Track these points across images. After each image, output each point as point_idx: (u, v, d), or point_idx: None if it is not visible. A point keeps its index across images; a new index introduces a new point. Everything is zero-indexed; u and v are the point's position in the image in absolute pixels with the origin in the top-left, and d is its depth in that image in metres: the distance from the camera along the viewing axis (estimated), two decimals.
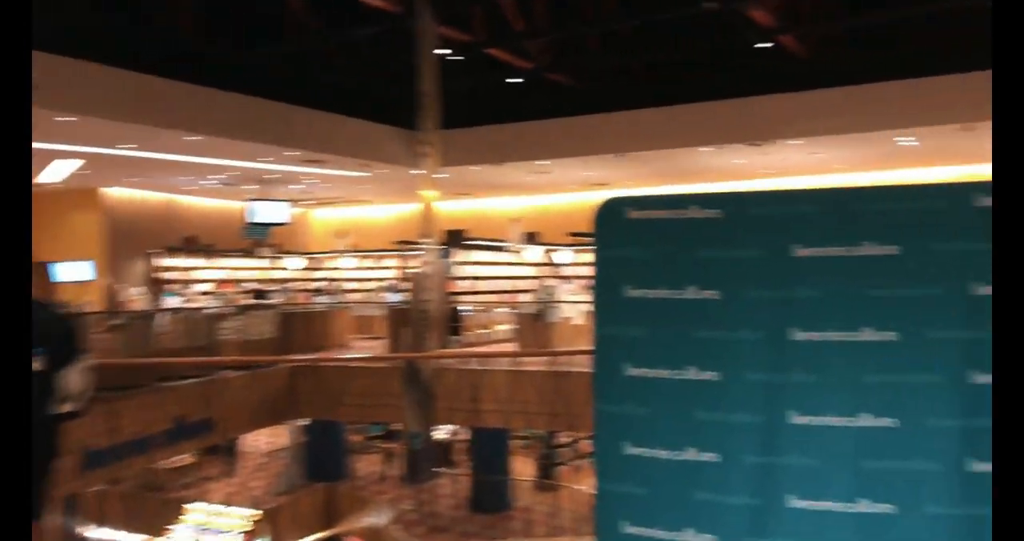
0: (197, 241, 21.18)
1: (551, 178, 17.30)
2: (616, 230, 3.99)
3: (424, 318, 11.52)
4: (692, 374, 3.78)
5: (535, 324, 15.07)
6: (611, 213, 4.09)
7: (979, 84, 11.28)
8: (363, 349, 14.48)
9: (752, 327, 3.73)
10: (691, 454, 3.79)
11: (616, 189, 19.45)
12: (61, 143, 12.64)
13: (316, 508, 16.75)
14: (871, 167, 15.90)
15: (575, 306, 15.36)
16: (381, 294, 19.33)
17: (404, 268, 23.17)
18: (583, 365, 11.83)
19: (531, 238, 18.52)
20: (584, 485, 17.39)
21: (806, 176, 17.07)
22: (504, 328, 17.13)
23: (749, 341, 3.71)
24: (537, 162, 15.31)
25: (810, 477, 3.60)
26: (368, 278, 23.69)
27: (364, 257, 23.45)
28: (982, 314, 3.28)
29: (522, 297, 18.97)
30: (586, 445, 19.36)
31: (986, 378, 3.23)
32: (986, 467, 3.27)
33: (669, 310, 3.87)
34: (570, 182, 18.19)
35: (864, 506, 3.56)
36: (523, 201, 21.07)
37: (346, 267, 23.21)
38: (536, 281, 19.26)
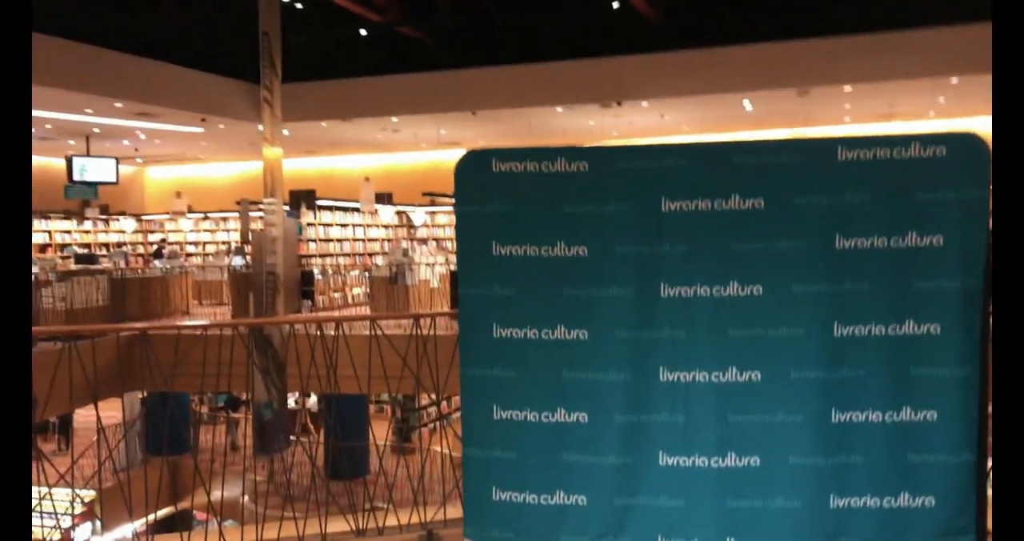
0: None
1: (402, 136, 16.85)
2: (479, 184, 3.77)
3: (271, 282, 10.91)
4: (561, 333, 3.67)
5: (390, 287, 14.73)
6: (473, 166, 3.86)
7: (818, 49, 11.91)
8: (205, 316, 13.64)
9: (621, 284, 3.65)
10: (560, 415, 3.70)
11: (470, 147, 19.26)
12: None
13: (159, 484, 15.85)
14: (719, 129, 16.49)
15: (431, 268, 15.13)
16: (223, 257, 18.30)
17: (247, 230, 22.14)
18: (444, 328, 11.69)
19: (384, 198, 18.02)
20: (444, 447, 17.43)
21: (656, 138, 17.53)
22: (358, 292, 16.67)
23: (618, 298, 3.63)
24: (388, 119, 14.81)
25: (679, 433, 3.59)
26: (209, 241, 22.42)
27: (203, 218, 22.13)
28: (845, 268, 3.35)
29: (376, 260, 18.55)
30: (445, 407, 19.39)
31: (848, 330, 3.31)
32: (849, 416, 3.37)
33: (537, 268, 3.72)
34: (422, 141, 17.80)
35: (731, 459, 3.60)
36: (374, 160, 20.46)
37: (184, 229, 21.83)
38: (390, 243, 18.85)
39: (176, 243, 22.72)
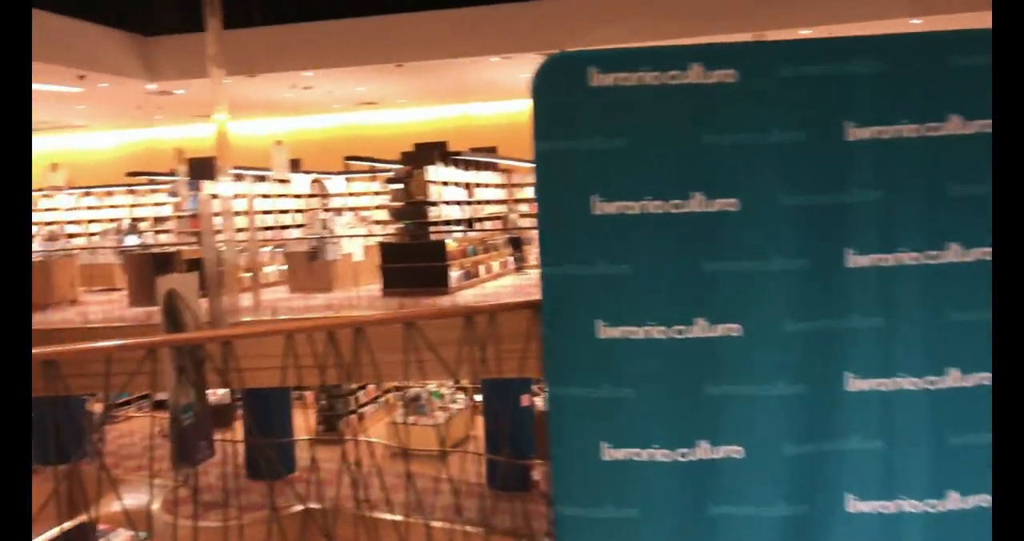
0: None
1: (314, 95, 15.15)
2: (570, 106, 2.52)
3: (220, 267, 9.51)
4: (700, 330, 2.53)
5: (310, 264, 13.24)
6: (560, 77, 2.57)
7: None
8: (98, 304, 11.81)
9: (789, 252, 2.54)
10: (703, 451, 2.56)
11: (389, 109, 17.68)
12: None
13: (55, 495, 13.99)
14: None
15: (354, 240, 13.69)
16: (110, 237, 16.26)
17: (137, 206, 19.96)
18: (363, 307, 10.48)
19: (294, 166, 16.32)
20: (371, 435, 16.31)
21: None
22: (271, 270, 15.06)
23: (786, 274, 2.52)
24: (300, 74, 13.12)
25: (876, 467, 2.53)
26: (93, 219, 20.09)
27: (85, 194, 19.77)
28: None
29: (290, 233, 16.91)
30: (372, 390, 18.09)
31: None
32: None
33: (662, 233, 2.55)
34: (336, 101, 16.13)
35: (953, 501, 2.57)
36: (280, 124, 18.60)
37: (63, 207, 19.46)
38: (307, 214, 17.17)
39: (54, 222, 20.30)
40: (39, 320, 10.66)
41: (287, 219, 17.00)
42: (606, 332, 2.33)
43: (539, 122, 2.32)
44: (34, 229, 19.23)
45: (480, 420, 16.40)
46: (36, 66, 11.36)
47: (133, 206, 20.00)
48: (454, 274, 12.33)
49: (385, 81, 13.91)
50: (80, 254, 14.10)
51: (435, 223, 12.85)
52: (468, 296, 11.44)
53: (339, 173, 16.28)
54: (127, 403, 17.66)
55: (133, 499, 13.73)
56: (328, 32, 12.17)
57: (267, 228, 16.45)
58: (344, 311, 10.31)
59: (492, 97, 15.41)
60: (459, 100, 16.92)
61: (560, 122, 2.32)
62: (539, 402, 14.71)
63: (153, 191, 19.88)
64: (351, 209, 17.99)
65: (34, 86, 12.66)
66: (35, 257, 13.24)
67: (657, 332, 2.32)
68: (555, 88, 2.31)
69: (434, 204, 12.87)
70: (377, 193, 18.60)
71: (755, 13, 11.23)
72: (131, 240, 14.32)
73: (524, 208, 17.45)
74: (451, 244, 12.55)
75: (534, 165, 2.36)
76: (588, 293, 2.32)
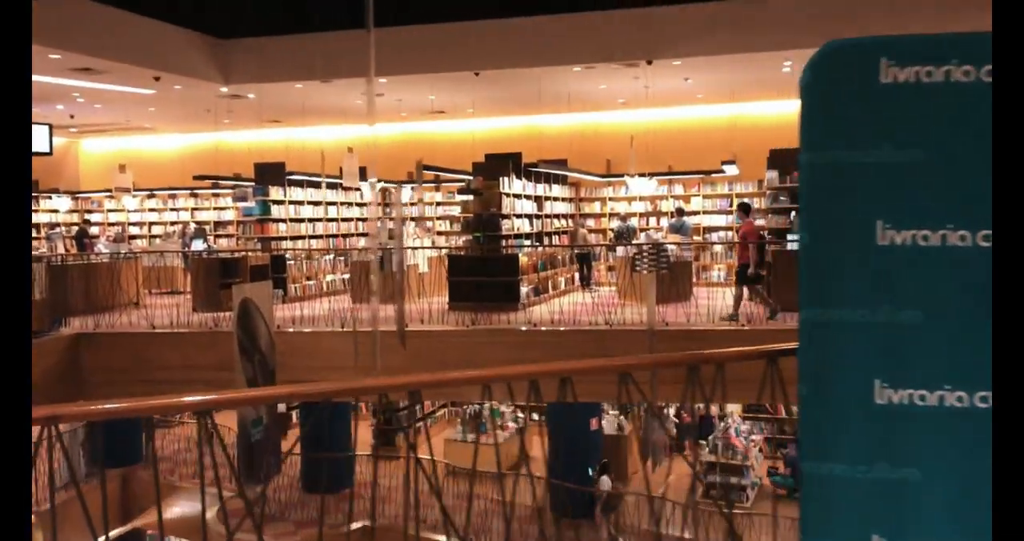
0: None
1: (384, 103, 14.87)
2: (852, 107, 2.08)
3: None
4: None
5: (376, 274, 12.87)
6: (843, 72, 2.13)
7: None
8: (163, 307, 11.58)
9: None
10: None
11: (455, 119, 17.38)
12: None
13: (108, 501, 13.78)
14: (743, 97, 14.96)
15: (418, 251, 13.32)
16: (173, 240, 16.16)
17: (198, 209, 19.94)
18: (436, 323, 10.09)
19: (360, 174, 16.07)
20: (428, 451, 15.77)
21: (669, 107, 15.94)
22: (332, 279, 14.78)
23: None
24: (375, 80, 12.80)
25: None
26: (154, 222, 20.12)
27: (148, 197, 19.79)
28: None
29: (359, 242, 16.67)
30: (428, 405, 17.70)
31: None
32: None
33: (966, 271, 2.07)
34: (404, 109, 15.85)
35: None
36: (342, 132, 18.40)
37: (128, 208, 19.49)
38: (373, 223, 16.86)
39: (117, 224, 20.37)
40: (106, 322, 10.48)
41: (348, 227, 16.77)
42: (886, 396, 1.83)
43: (810, 127, 1.85)
44: (95, 229, 19.30)
45: (538, 440, 15.92)
46: (115, 67, 11.25)
47: (194, 209, 19.99)
48: (524, 290, 11.91)
49: (459, 88, 13.57)
50: (144, 256, 13.97)
51: (509, 236, 12.43)
52: (539, 313, 11.00)
53: (406, 182, 15.96)
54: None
55: (187, 507, 13.40)
56: (407, 38, 11.86)
57: (328, 235, 16.24)
58: (416, 323, 9.94)
59: (564, 106, 14.98)
60: (528, 111, 16.53)
61: (839, 127, 1.84)
62: (607, 425, 14.21)
63: (215, 195, 19.83)
64: (412, 219, 17.70)
65: (108, 86, 12.58)
66: (102, 258, 13.13)
67: (953, 399, 1.81)
68: (834, 85, 1.84)
69: (507, 217, 12.46)
70: (439, 203, 18.31)
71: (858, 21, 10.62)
72: (198, 244, 14.13)
73: (591, 223, 17.01)
74: (522, 258, 12.15)
75: (798, 181, 1.88)
76: (865, 345, 1.83)
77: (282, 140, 18.47)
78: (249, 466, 7.77)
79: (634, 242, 14.61)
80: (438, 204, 18.33)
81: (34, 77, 11.74)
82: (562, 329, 9.57)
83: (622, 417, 14.24)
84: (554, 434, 12.50)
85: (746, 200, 12.48)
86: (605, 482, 12.24)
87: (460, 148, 16.06)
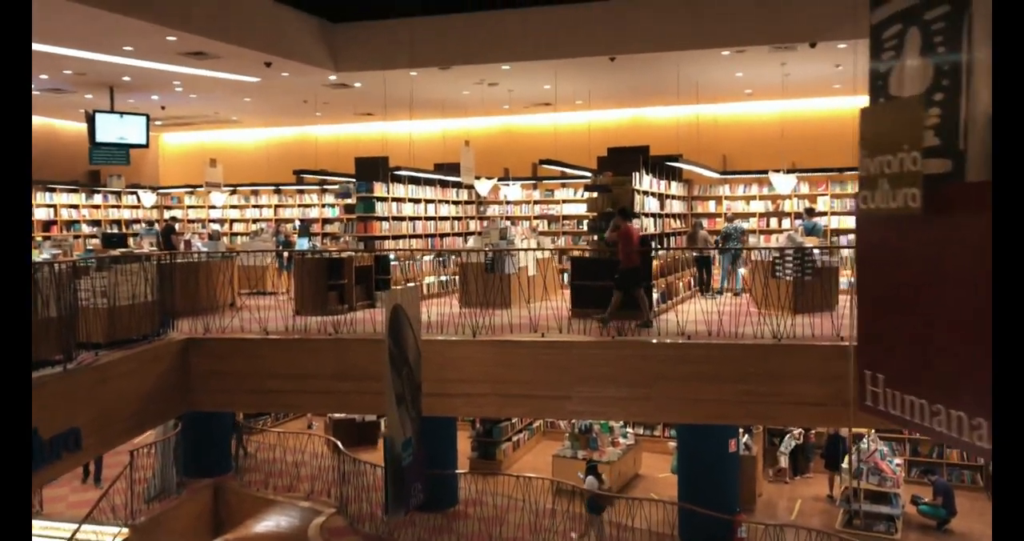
0: None
1: (493, 93, 13.93)
2: None
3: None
4: None
5: (486, 276, 11.94)
6: None
7: None
8: (262, 310, 10.77)
9: None
10: None
11: (560, 112, 16.37)
12: None
13: (200, 513, 13.04)
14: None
15: (529, 254, 12.35)
16: (265, 238, 15.41)
17: (281, 206, 19.24)
18: (579, 333, 9.06)
19: (456, 169, 15.14)
20: (528, 467, 14.87)
21: (805, 98, 14.73)
22: (433, 280, 13.87)
23: None
24: (496, 66, 11.85)
25: None
26: (244, 219, 19.48)
27: (232, 192, 19.15)
28: None
29: (468, 242, 15.78)
30: (525, 418, 16.71)
31: None
32: None
33: None
34: (510, 101, 14.90)
35: None
36: (436, 126, 17.52)
37: (217, 205, 18.85)
38: (484, 222, 15.98)
39: (197, 220, 19.79)
40: (212, 326, 9.69)
41: (445, 226, 15.86)
42: None
43: None
44: (168, 225, 18.69)
45: (651, 458, 14.86)
46: (228, 49, 10.46)
47: (277, 206, 19.31)
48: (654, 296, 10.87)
49: (577, 78, 12.56)
50: (242, 256, 13.21)
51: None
52: (672, 321, 9.90)
53: (516, 179, 15.00)
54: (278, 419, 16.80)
55: (280, 521, 12.50)
56: (532, 21, 10.91)
57: (426, 235, 15.34)
58: (545, 332, 8.96)
59: (673, 100, 13.87)
60: (639, 103, 15.47)
61: None
62: (753, 447, 13.05)
63: (300, 191, 19.12)
64: (507, 218, 16.74)
65: (215, 73, 11.84)
66: (199, 258, 12.41)
67: None
68: None
69: (637, 216, 11.41)
70: (545, 202, 17.31)
71: None
72: (303, 243, 13.32)
73: (704, 223, 15.87)
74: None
75: None
76: None
77: (372, 134, 17.66)
78: (399, 492, 6.85)
79: (773, 245, 13.50)
80: (546, 203, 17.33)
81: (141, 62, 11.03)
82: (717, 342, 8.43)
83: (747, 436, 13.10)
84: (685, 455, 11.43)
85: None
86: (591, 482, 11.45)
87: (565, 141, 15.09)
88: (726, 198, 15.77)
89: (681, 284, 12.94)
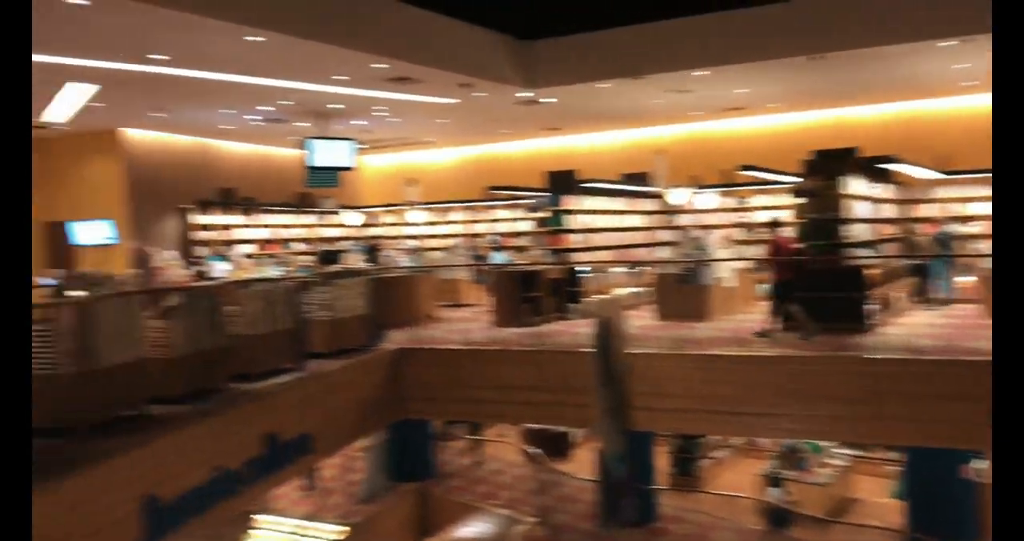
0: (235, 194, 17.73)
1: (683, 100, 13.61)
2: None
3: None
4: None
5: (680, 288, 11.60)
6: None
7: None
8: (462, 322, 11.05)
9: None
10: None
11: (754, 115, 15.76)
12: (69, 56, 9.23)
13: (407, 517, 13.57)
14: None
15: (726, 264, 11.87)
16: (461, 252, 15.91)
17: (473, 222, 19.82)
18: (786, 347, 8.57)
19: (643, 179, 14.92)
20: (730, 486, 14.26)
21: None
22: (625, 292, 13.68)
23: None
24: (687, 73, 11.56)
25: None
26: (429, 235, 20.27)
27: (429, 209, 19.96)
28: None
29: (636, 252, 15.56)
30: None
31: None
32: None
33: None
34: (700, 107, 14.51)
35: None
36: (614, 137, 17.37)
37: (417, 222, 19.73)
38: (680, 232, 15.63)
39: (395, 238, 20.77)
40: (418, 337, 10.09)
41: (638, 237, 15.65)
42: None
43: None
44: (371, 246, 19.71)
45: (868, 481, 13.86)
46: (429, 74, 10.89)
47: (469, 222, 19.91)
48: (869, 308, 10.10)
49: (775, 80, 12.00)
50: (439, 270, 13.71)
51: (850, 245, 10.64)
52: (888, 336, 9.09)
53: (710, 187, 14.57)
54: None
55: (483, 528, 12.68)
56: (730, 25, 10.55)
57: (617, 246, 15.20)
58: (747, 348, 8.54)
59: (878, 98, 12.90)
60: (840, 103, 14.58)
61: None
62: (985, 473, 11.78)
63: (488, 207, 19.61)
64: (701, 227, 16.27)
65: (416, 97, 12.38)
66: (401, 272, 13.00)
67: None
68: None
69: (846, 222, 10.69)
70: (739, 209, 16.68)
71: None
72: (498, 258, 13.65)
73: (923, 228, 14.63)
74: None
75: None
76: None
77: (555, 148, 17.81)
78: (612, 505, 6.75)
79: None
80: (735, 210, 16.72)
81: (352, 90, 11.73)
82: (947, 358, 7.64)
83: (982, 462, 11.81)
84: (913, 480, 10.50)
85: None
86: (774, 494, 10.38)
87: (758, 146, 14.48)
88: (945, 201, 14.48)
89: (899, 294, 12.00)
